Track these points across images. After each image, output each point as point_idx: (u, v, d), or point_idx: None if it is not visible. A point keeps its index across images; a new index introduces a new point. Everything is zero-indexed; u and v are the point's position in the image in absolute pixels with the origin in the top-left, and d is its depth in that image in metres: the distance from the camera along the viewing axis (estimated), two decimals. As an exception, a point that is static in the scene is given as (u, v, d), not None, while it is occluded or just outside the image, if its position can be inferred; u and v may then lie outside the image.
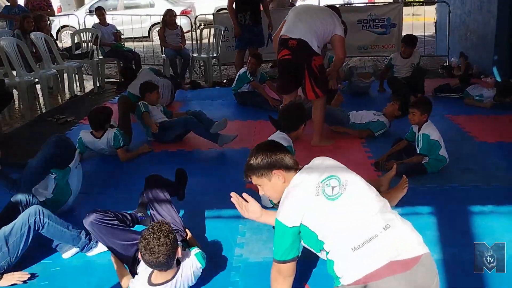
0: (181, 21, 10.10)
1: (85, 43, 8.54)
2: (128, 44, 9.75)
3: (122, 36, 9.06)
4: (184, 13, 13.55)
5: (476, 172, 4.27)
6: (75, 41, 8.55)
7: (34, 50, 7.59)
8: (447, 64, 8.89)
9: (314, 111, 5.11)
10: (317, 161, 2.48)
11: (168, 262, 2.44)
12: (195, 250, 2.70)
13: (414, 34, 9.93)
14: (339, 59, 5.10)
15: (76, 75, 8.27)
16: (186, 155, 4.96)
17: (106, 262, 3.00)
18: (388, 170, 4.10)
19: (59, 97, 7.76)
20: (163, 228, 2.45)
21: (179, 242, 2.62)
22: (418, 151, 4.26)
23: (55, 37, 13.82)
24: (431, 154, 4.23)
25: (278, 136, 3.64)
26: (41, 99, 7.40)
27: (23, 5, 9.20)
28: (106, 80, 9.06)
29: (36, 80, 7.02)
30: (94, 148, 4.72)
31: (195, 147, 5.18)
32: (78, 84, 8.28)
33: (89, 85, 8.48)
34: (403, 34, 9.18)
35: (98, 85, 8.42)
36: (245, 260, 3.03)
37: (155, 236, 2.40)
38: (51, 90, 7.91)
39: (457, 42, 9.00)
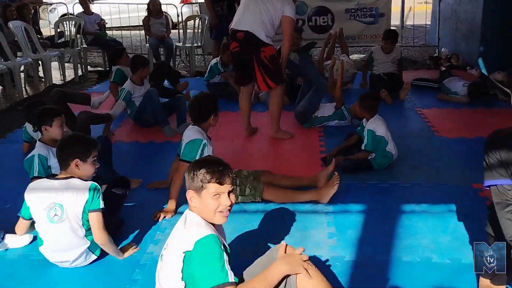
0: (183, 10, 10.11)
1: (69, 32, 8.53)
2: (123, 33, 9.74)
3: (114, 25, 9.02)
4: (184, 2, 13.46)
5: (424, 169, 4.15)
6: (58, 30, 8.55)
7: (16, 39, 7.62)
8: (436, 55, 8.66)
9: (270, 101, 5.03)
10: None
11: (60, 158, 2.81)
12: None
13: (405, 24, 9.79)
14: (285, 47, 4.85)
15: (59, 64, 8.31)
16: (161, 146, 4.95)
17: (15, 258, 3.00)
18: (336, 165, 4.03)
19: (43, 85, 7.79)
20: (82, 135, 2.99)
21: None
22: (363, 147, 4.15)
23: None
24: (377, 150, 4.11)
25: (192, 130, 3.58)
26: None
27: (12, -7, 9.23)
28: (92, 69, 9.09)
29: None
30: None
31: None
32: (61, 73, 8.30)
33: (73, 74, 8.48)
34: (392, 24, 9.02)
35: (80, 73, 8.44)
36: (154, 258, 2.95)
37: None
38: (31, 79, 7.95)
39: (448, 33, 8.75)
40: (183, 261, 2.06)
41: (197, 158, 3.47)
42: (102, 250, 2.89)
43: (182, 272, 2.08)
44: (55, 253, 2.81)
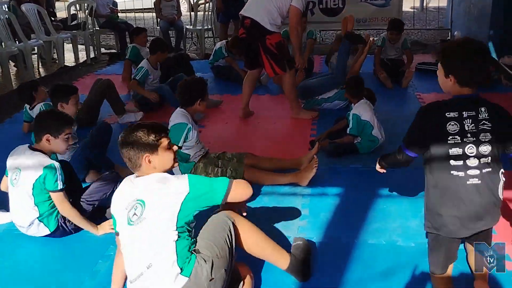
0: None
1: (82, 14, 8.70)
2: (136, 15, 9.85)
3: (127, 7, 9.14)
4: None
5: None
6: (71, 13, 8.72)
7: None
8: (449, 38, 8.53)
9: (284, 87, 5.14)
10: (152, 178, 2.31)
11: (34, 131, 3.05)
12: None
13: (415, 6, 9.61)
14: (293, 40, 4.94)
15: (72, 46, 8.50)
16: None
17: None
18: (322, 149, 4.10)
19: (56, 67, 8.00)
20: (59, 112, 3.17)
21: None
22: (348, 131, 4.18)
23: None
24: (363, 135, 4.14)
25: (178, 113, 3.65)
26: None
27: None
28: (106, 51, 9.26)
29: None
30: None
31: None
32: (74, 55, 8.49)
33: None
34: (404, 6, 8.90)
35: (93, 55, 8.62)
36: (130, 235, 3.10)
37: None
38: (44, 60, 8.16)
39: (461, 16, 8.59)
40: (181, 206, 2.20)
41: (181, 142, 3.60)
42: (61, 226, 3.01)
43: (177, 217, 2.19)
44: (13, 216, 3.02)
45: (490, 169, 2.22)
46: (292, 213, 3.27)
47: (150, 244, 2.20)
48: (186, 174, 2.30)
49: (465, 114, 2.22)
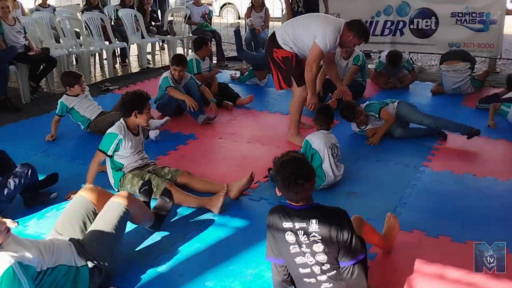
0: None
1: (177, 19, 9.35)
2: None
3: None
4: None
5: (358, 197, 3.75)
6: (168, 19, 9.42)
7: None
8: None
9: (290, 102, 5.02)
10: None
11: None
12: None
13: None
14: (307, 72, 4.65)
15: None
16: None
17: None
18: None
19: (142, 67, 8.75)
20: None
21: None
22: (296, 156, 3.93)
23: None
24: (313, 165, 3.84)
25: (117, 123, 3.78)
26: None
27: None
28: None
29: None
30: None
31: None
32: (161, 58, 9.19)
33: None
34: (504, 31, 7.83)
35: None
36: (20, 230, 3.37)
37: None
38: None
39: None
40: None
41: (110, 151, 3.71)
42: None
43: None
44: None
45: (334, 272, 2.32)
46: (170, 237, 3.21)
47: None
48: None
49: (297, 225, 2.29)
